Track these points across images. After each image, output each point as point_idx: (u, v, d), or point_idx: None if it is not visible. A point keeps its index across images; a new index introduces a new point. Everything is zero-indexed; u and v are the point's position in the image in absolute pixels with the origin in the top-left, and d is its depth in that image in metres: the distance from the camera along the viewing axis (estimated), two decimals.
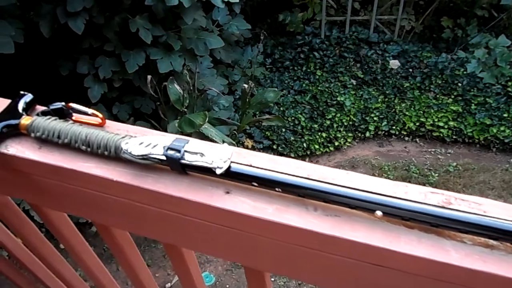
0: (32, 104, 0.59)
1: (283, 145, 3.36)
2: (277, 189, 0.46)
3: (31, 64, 2.60)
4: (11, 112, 0.56)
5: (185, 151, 0.47)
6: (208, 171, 0.47)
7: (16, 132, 0.55)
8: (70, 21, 2.13)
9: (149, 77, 2.36)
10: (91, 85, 2.46)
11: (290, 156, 3.33)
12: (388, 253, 0.41)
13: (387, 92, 3.62)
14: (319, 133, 3.45)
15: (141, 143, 0.49)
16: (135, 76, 2.54)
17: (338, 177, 0.47)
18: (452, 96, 3.54)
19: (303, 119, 3.46)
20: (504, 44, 3.48)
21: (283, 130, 3.40)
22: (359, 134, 3.54)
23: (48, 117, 0.55)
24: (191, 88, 2.65)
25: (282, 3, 3.96)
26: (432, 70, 3.64)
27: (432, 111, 3.49)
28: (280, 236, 0.46)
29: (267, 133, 3.39)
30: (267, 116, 3.27)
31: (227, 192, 0.48)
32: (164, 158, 0.48)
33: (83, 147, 0.52)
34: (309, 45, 3.84)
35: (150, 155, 0.48)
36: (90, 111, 0.56)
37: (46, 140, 0.54)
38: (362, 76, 3.72)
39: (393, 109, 3.55)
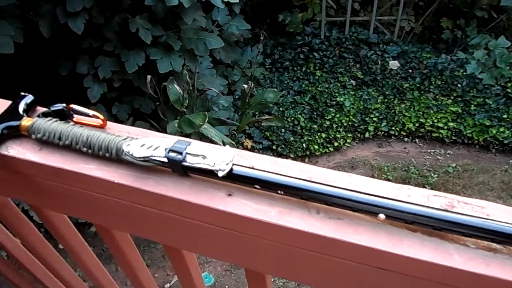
0: (32, 105, 0.58)
1: (283, 146, 3.36)
2: (279, 191, 0.46)
3: (31, 64, 2.60)
4: (12, 113, 0.56)
5: (187, 153, 0.47)
6: (210, 174, 0.47)
7: (16, 134, 0.55)
8: (70, 21, 2.12)
9: (148, 77, 2.36)
10: (90, 85, 2.46)
11: (289, 157, 3.33)
12: (391, 256, 0.41)
13: (386, 92, 3.63)
14: (319, 134, 3.44)
15: (143, 145, 0.49)
16: (134, 76, 2.54)
17: (340, 180, 0.47)
18: (452, 97, 3.54)
19: (302, 119, 3.46)
20: (503, 45, 3.48)
21: (283, 130, 3.40)
22: (359, 135, 3.54)
23: (49, 118, 0.55)
24: (191, 88, 2.65)
25: (282, 3, 3.95)
26: (431, 71, 3.64)
27: (432, 112, 3.49)
28: (282, 238, 0.46)
29: (266, 133, 3.39)
30: (267, 116, 3.27)
31: (229, 195, 0.47)
32: (165, 160, 0.47)
33: (84, 149, 0.52)
34: (308, 46, 3.84)
35: (151, 157, 0.48)
36: (91, 112, 0.55)
37: (47, 142, 0.54)
38: (361, 76, 3.72)
39: (393, 110, 3.55)
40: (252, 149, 3.30)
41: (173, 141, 0.49)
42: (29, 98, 0.58)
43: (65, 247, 0.88)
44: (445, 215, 0.41)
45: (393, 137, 3.56)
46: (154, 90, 2.45)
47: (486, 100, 3.44)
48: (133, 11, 2.37)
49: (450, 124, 3.43)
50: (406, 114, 3.51)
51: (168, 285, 2.63)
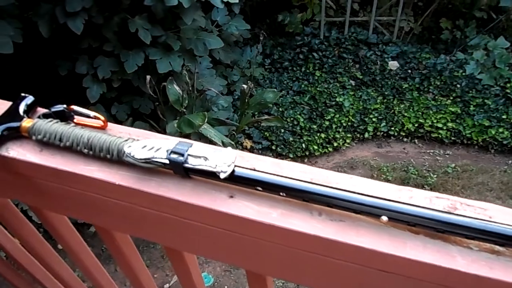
0: (33, 107, 0.58)
1: (282, 146, 3.36)
2: (281, 193, 0.45)
3: (30, 64, 2.59)
4: (12, 114, 0.56)
5: (189, 155, 0.47)
6: (211, 175, 0.47)
7: (17, 135, 0.55)
8: (69, 21, 2.12)
9: (148, 77, 2.35)
10: (90, 85, 2.45)
11: (288, 157, 3.33)
12: (394, 258, 0.41)
13: (386, 93, 3.63)
14: (318, 134, 3.44)
15: (144, 147, 0.49)
16: (134, 76, 2.54)
17: (342, 181, 0.47)
18: (451, 98, 3.54)
19: (302, 119, 3.46)
20: (502, 45, 3.48)
21: (282, 130, 3.40)
22: (358, 135, 3.54)
23: (49, 119, 0.54)
24: (190, 88, 2.65)
25: (281, 3, 3.95)
26: (431, 71, 3.64)
27: (431, 112, 3.49)
28: (284, 240, 0.46)
29: (266, 133, 3.39)
30: (266, 116, 3.27)
31: (231, 196, 0.47)
32: (167, 162, 0.47)
33: (85, 150, 0.52)
34: (308, 46, 3.84)
35: (153, 159, 0.48)
36: (92, 113, 0.55)
37: (48, 143, 0.53)
38: (361, 77, 3.72)
39: (392, 110, 3.55)
40: (251, 149, 3.30)
41: (174, 143, 0.48)
42: (30, 99, 0.57)
43: (64, 248, 0.87)
44: (448, 217, 0.41)
45: (392, 137, 3.56)
46: (154, 90, 2.45)
47: (485, 100, 3.44)
48: (132, 11, 2.37)
49: (449, 124, 3.43)
50: (406, 114, 3.51)
51: (167, 285, 2.62)
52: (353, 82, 3.72)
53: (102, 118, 0.55)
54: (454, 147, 3.48)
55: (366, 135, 3.51)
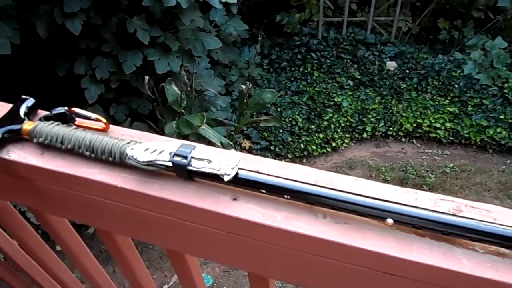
0: (33, 109, 0.58)
1: (281, 146, 3.36)
2: (285, 196, 0.45)
3: (28, 65, 2.58)
4: (13, 117, 0.55)
5: (192, 157, 0.47)
6: (215, 178, 0.46)
7: (18, 138, 0.54)
8: (67, 22, 2.11)
9: (146, 77, 2.35)
10: (88, 86, 2.44)
11: (287, 157, 3.33)
12: (400, 261, 0.41)
13: (384, 93, 3.63)
14: (317, 134, 3.44)
15: (147, 149, 0.48)
16: (132, 77, 2.53)
17: (347, 184, 0.47)
18: (449, 98, 3.55)
19: (300, 120, 3.45)
20: (500, 46, 3.49)
21: (281, 131, 3.40)
22: (356, 135, 3.54)
23: (50, 122, 0.54)
24: (189, 89, 2.64)
25: (279, 3, 3.95)
26: (428, 71, 3.65)
27: (429, 112, 3.50)
28: (288, 243, 0.46)
29: (264, 134, 3.38)
30: (265, 117, 3.26)
31: (234, 199, 0.47)
32: (170, 164, 0.47)
33: (87, 153, 0.51)
34: (306, 46, 3.84)
35: (156, 161, 0.47)
36: (93, 115, 0.55)
37: (49, 146, 0.53)
38: (359, 77, 3.72)
39: (390, 110, 3.55)
40: (250, 150, 3.30)
41: (177, 145, 0.48)
42: (30, 101, 0.57)
43: (64, 250, 0.87)
44: (453, 219, 0.41)
45: (390, 137, 3.57)
46: (152, 91, 2.44)
47: (483, 100, 3.45)
48: (130, 12, 2.36)
49: (447, 124, 3.44)
50: (404, 114, 3.52)
51: (166, 286, 2.62)
52: (351, 82, 3.72)
53: (104, 120, 0.55)
54: (452, 147, 3.49)
55: (365, 135, 3.52)
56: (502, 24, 3.84)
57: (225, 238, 0.49)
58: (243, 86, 2.73)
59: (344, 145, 3.49)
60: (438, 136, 3.45)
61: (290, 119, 3.46)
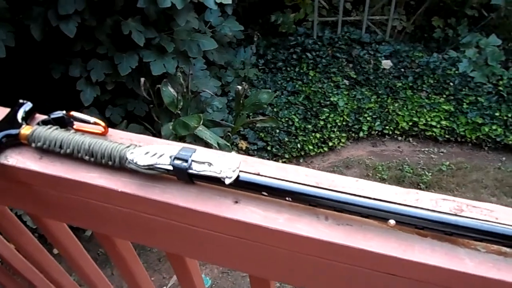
0: (31, 113, 0.57)
1: (277, 146, 3.36)
2: (287, 198, 0.45)
3: (23, 68, 2.57)
4: (10, 121, 0.55)
5: (193, 160, 0.46)
6: (216, 181, 0.46)
7: (16, 142, 0.54)
8: (61, 24, 2.10)
9: (142, 79, 2.34)
10: (83, 88, 2.43)
11: (284, 157, 3.33)
12: (403, 262, 0.41)
13: (379, 92, 3.64)
14: (313, 134, 3.45)
15: (147, 153, 0.48)
16: (128, 78, 2.52)
17: (348, 185, 0.47)
18: (444, 96, 3.56)
19: (296, 120, 3.46)
20: (494, 43, 3.51)
21: (277, 131, 3.40)
22: (353, 134, 3.55)
23: (49, 126, 0.54)
24: (185, 90, 2.63)
25: (274, 4, 3.95)
26: (424, 69, 3.66)
27: (425, 110, 3.51)
28: (291, 246, 0.46)
29: (261, 134, 3.38)
30: (261, 117, 3.26)
31: (236, 202, 0.47)
32: (171, 168, 0.47)
33: (86, 157, 0.51)
34: (301, 46, 3.84)
35: (156, 165, 0.47)
36: (92, 119, 0.54)
37: (48, 150, 0.53)
38: (354, 76, 3.73)
39: (386, 109, 3.56)
40: (246, 150, 3.30)
41: (178, 148, 0.48)
42: (28, 105, 0.57)
43: (62, 254, 0.86)
44: (455, 219, 0.41)
45: (387, 136, 3.58)
46: (148, 93, 2.43)
47: (478, 98, 3.47)
48: (125, 14, 2.35)
49: (443, 122, 3.45)
50: (400, 113, 3.53)
51: None
52: (347, 82, 3.73)
53: (103, 124, 0.54)
54: (448, 145, 3.50)
55: (361, 134, 3.52)
56: (496, 22, 3.85)
57: (227, 241, 0.49)
58: (239, 87, 2.72)
59: (341, 144, 3.50)
60: (434, 134, 3.46)
61: (287, 119, 3.46)
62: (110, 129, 0.55)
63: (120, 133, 0.55)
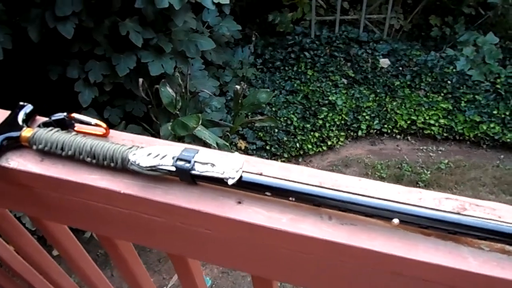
0: (32, 115, 0.57)
1: (276, 146, 3.36)
2: (290, 198, 0.45)
3: (20, 69, 2.56)
4: (11, 123, 0.55)
5: (195, 161, 0.46)
6: (219, 182, 0.46)
7: (17, 145, 0.54)
8: (59, 26, 2.09)
9: (140, 80, 2.34)
10: (81, 89, 2.43)
11: (283, 156, 3.33)
12: (407, 261, 0.41)
13: (378, 90, 3.64)
14: (312, 133, 3.45)
15: (149, 154, 0.48)
16: (126, 79, 2.52)
17: (351, 184, 0.47)
18: (442, 94, 3.57)
19: (295, 119, 3.46)
20: (492, 41, 3.52)
21: (276, 130, 3.40)
22: (352, 133, 3.55)
23: (50, 128, 0.53)
24: (183, 90, 2.63)
25: (271, 3, 3.95)
26: (421, 68, 3.67)
27: (423, 109, 3.52)
28: (294, 246, 0.46)
29: (260, 134, 3.38)
30: (260, 117, 3.26)
31: (239, 202, 0.47)
32: (173, 169, 0.46)
33: (88, 159, 0.51)
34: (299, 45, 3.84)
35: (158, 166, 0.47)
36: (93, 121, 0.54)
37: (49, 153, 0.52)
38: (353, 75, 3.73)
39: (385, 108, 3.57)
40: (245, 150, 3.30)
41: (180, 149, 0.48)
42: (29, 107, 0.56)
43: (63, 255, 0.86)
44: (458, 218, 0.41)
45: (385, 134, 3.58)
46: (146, 93, 2.43)
47: (476, 96, 3.47)
48: (123, 14, 2.35)
49: (441, 121, 3.46)
50: (398, 111, 3.53)
51: None
52: (345, 81, 3.73)
53: (104, 125, 0.54)
54: (447, 143, 3.51)
55: (360, 133, 3.53)
56: (493, 20, 3.86)
57: (230, 241, 0.49)
58: (238, 87, 2.72)
59: (340, 143, 3.50)
60: (433, 133, 3.47)
61: (285, 118, 3.46)
62: (111, 131, 0.55)
63: (122, 134, 0.55)
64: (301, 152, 3.41)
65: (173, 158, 0.47)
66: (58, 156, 0.53)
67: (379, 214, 0.42)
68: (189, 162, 0.46)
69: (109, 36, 2.40)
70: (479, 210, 0.44)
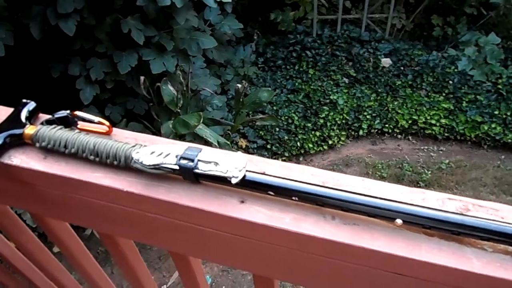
0: (35, 113, 0.57)
1: (277, 145, 3.36)
2: (293, 197, 0.45)
3: (22, 66, 2.56)
4: (14, 121, 0.55)
5: (199, 160, 0.46)
6: (222, 180, 0.46)
7: (20, 142, 0.54)
8: (61, 23, 2.09)
9: (142, 78, 2.33)
10: (83, 86, 2.43)
11: (284, 155, 3.33)
12: (410, 261, 0.41)
13: (379, 90, 3.64)
14: (313, 132, 3.45)
15: (153, 152, 0.48)
16: (127, 77, 2.51)
17: (354, 184, 0.47)
18: (444, 94, 3.56)
19: (296, 118, 3.46)
20: (493, 41, 3.51)
21: (277, 129, 3.40)
22: (353, 133, 3.55)
23: (53, 126, 0.53)
24: (185, 88, 2.63)
25: (273, 2, 3.95)
26: (423, 68, 3.66)
27: (424, 108, 3.51)
28: (297, 245, 0.46)
29: (260, 132, 3.38)
30: (261, 115, 3.25)
31: (242, 201, 0.47)
32: (177, 167, 0.46)
33: (91, 157, 0.51)
34: (301, 44, 3.84)
35: (162, 165, 0.47)
36: (96, 119, 0.54)
37: (52, 150, 0.52)
38: (354, 74, 3.73)
39: (386, 107, 3.56)
40: (246, 149, 3.30)
41: (183, 148, 0.48)
42: (32, 105, 0.56)
43: (64, 253, 0.86)
44: (462, 219, 0.41)
45: (386, 134, 3.58)
46: (148, 91, 2.43)
47: (478, 96, 3.47)
48: (124, 12, 2.35)
49: (443, 120, 3.45)
50: (399, 111, 3.53)
51: (165, 286, 2.61)
52: (346, 80, 3.73)
53: (107, 123, 0.54)
54: (448, 143, 3.51)
55: (361, 132, 3.52)
56: (495, 20, 3.85)
57: (233, 240, 0.49)
58: (239, 85, 2.72)
59: (341, 142, 3.50)
60: (434, 133, 3.46)
61: (286, 117, 3.46)
62: (114, 129, 0.55)
63: (125, 132, 0.55)
64: (302, 151, 3.41)
65: (176, 156, 0.47)
66: (61, 153, 0.53)
67: (382, 214, 0.42)
68: (192, 160, 0.46)
69: (110, 33, 2.39)
70: (482, 211, 0.44)
